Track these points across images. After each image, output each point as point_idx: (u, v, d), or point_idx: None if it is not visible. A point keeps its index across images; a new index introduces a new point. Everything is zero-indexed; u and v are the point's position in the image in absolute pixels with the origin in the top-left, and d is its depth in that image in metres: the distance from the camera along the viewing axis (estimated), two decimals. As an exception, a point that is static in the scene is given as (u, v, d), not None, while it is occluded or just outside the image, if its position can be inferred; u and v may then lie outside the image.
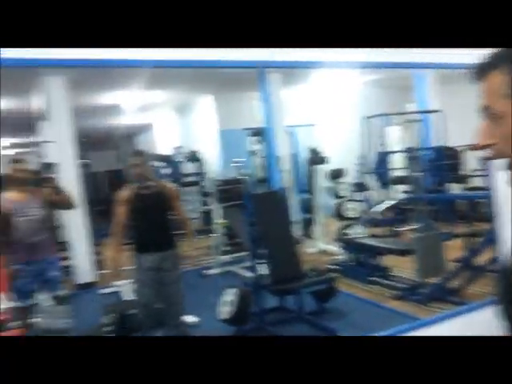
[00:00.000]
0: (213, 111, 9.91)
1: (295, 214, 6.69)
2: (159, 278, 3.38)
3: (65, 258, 6.08)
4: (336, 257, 6.19)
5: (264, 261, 4.20)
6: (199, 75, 7.64)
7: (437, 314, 3.85)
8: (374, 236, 6.49)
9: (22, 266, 3.50)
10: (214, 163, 9.55)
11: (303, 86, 9.63)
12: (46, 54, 2.36)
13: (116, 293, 5.56)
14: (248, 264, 5.59)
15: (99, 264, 6.55)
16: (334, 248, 6.69)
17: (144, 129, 14.37)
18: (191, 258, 6.04)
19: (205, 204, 8.37)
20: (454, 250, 4.83)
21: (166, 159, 9.59)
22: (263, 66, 6.60)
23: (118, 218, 3.41)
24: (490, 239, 4.15)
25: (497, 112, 0.78)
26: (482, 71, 0.81)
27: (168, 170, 9.36)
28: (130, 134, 15.22)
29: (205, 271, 6.37)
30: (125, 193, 3.43)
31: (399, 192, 7.87)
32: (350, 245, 5.69)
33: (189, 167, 9.52)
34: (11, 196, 3.54)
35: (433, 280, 4.56)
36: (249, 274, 5.28)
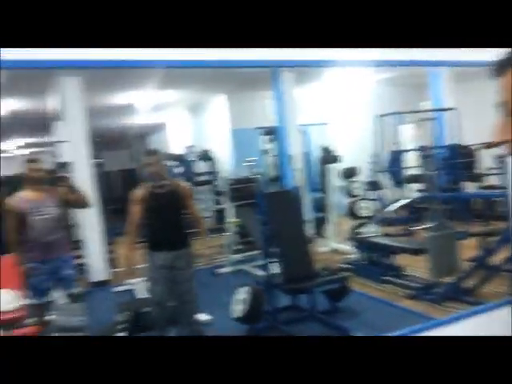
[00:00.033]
0: (225, 110, 9.93)
1: (308, 212, 6.68)
2: (172, 277, 3.40)
3: (79, 257, 6.14)
4: (348, 256, 6.16)
5: (276, 259, 4.20)
6: (212, 75, 7.66)
7: (451, 313, 3.81)
8: (387, 235, 6.45)
9: (37, 264, 3.54)
10: (227, 162, 9.57)
11: (316, 84, 9.60)
12: (61, 55, 2.39)
13: (130, 291, 5.60)
14: (260, 263, 5.60)
15: (112, 262, 6.61)
16: (346, 247, 6.66)
17: (157, 128, 14.45)
18: (204, 257, 6.06)
19: (217, 203, 8.38)
20: (469, 249, 4.78)
21: (178, 158, 9.64)
22: (276, 66, 6.61)
23: (132, 217, 3.43)
24: (506, 238, 4.11)
25: None
26: (500, 67, 0.80)
27: (181, 169, 9.41)
28: (144, 134, 15.32)
29: (217, 270, 6.38)
30: (139, 192, 3.46)
31: (413, 191, 7.81)
32: (363, 244, 5.66)
33: (201, 166, 9.55)
34: (27, 195, 3.59)
35: (447, 279, 4.52)
36: (261, 273, 5.28)
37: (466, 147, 8.33)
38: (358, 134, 9.78)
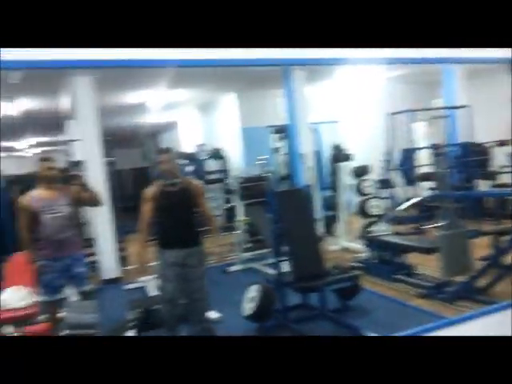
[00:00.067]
0: (236, 109, 9.93)
1: (318, 211, 6.66)
2: (184, 274, 3.41)
3: (91, 255, 6.19)
4: (359, 254, 6.14)
5: (287, 258, 4.19)
6: (223, 73, 7.67)
7: (463, 312, 3.78)
8: (398, 234, 6.41)
9: (50, 261, 3.57)
10: (237, 161, 9.58)
11: (327, 82, 9.56)
12: (73, 55, 2.40)
13: (141, 288, 5.64)
14: (270, 261, 5.60)
15: (124, 260, 6.66)
16: (357, 245, 6.63)
17: (168, 127, 14.50)
18: (214, 255, 6.08)
19: (227, 201, 8.39)
20: (481, 247, 4.73)
21: (189, 157, 9.66)
22: (287, 64, 6.58)
23: (144, 215, 3.45)
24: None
25: None
26: None
27: (192, 168, 9.43)
28: (155, 133, 15.39)
29: (227, 268, 6.40)
30: (151, 190, 3.48)
31: (425, 189, 7.75)
32: (373, 242, 5.64)
33: (212, 165, 9.57)
34: (39, 194, 3.62)
35: (459, 278, 4.48)
36: (271, 271, 5.28)
37: (478, 145, 8.25)
38: (369, 132, 9.73)
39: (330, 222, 7.31)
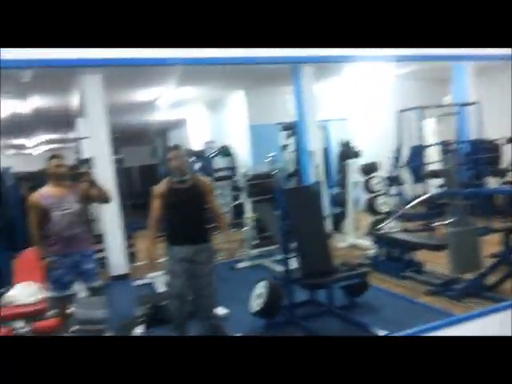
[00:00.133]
0: (244, 106, 9.93)
1: (327, 208, 6.65)
2: (192, 271, 3.42)
3: (99, 251, 6.23)
4: (367, 251, 6.12)
5: (295, 254, 4.19)
6: (231, 71, 7.67)
7: (472, 310, 3.76)
8: (406, 231, 6.38)
9: (59, 258, 3.60)
10: (246, 158, 9.58)
11: (336, 79, 9.53)
12: (82, 53, 2.41)
13: (149, 284, 5.67)
14: (278, 258, 5.60)
15: (132, 256, 6.69)
16: (365, 242, 6.62)
17: (177, 124, 14.54)
18: (222, 251, 6.09)
19: (235, 198, 8.40)
20: (491, 245, 4.70)
21: (198, 154, 9.68)
22: (296, 62, 6.57)
23: (153, 212, 3.47)
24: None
25: None
26: None
27: (200, 165, 9.45)
28: (164, 130, 15.43)
29: (235, 264, 6.41)
30: (160, 187, 3.49)
31: (434, 186, 7.70)
32: (382, 239, 5.62)
33: (220, 162, 9.58)
34: (49, 191, 3.65)
35: (468, 276, 4.45)
36: (279, 268, 5.28)
37: (488, 142, 8.18)
38: (378, 130, 9.68)
39: (339, 219, 7.29)
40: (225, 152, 9.19)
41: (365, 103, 10.36)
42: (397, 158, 7.58)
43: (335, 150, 7.80)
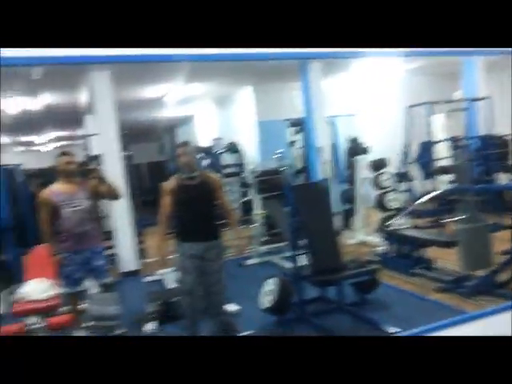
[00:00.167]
0: (252, 102, 9.92)
1: (336, 204, 6.63)
2: (202, 267, 3.43)
3: (110, 247, 6.27)
4: (377, 248, 6.10)
5: (304, 251, 4.19)
6: (239, 67, 7.66)
7: (483, 307, 3.74)
8: (416, 227, 6.35)
9: (70, 254, 3.63)
10: (254, 154, 9.57)
11: (344, 74, 9.48)
12: (90, 50, 2.42)
13: (160, 281, 5.69)
14: (287, 254, 5.60)
15: (142, 253, 6.72)
16: (375, 239, 6.60)
17: (185, 121, 14.55)
18: (232, 248, 6.10)
19: (244, 195, 8.41)
20: (502, 241, 4.66)
21: (206, 150, 9.69)
22: (304, 58, 6.55)
23: (163, 208, 3.48)
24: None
25: None
26: None
27: (208, 161, 9.46)
28: (172, 126, 15.46)
29: (244, 261, 6.42)
30: (170, 183, 3.50)
31: (444, 182, 7.65)
32: (392, 236, 5.60)
33: (228, 158, 9.58)
34: (59, 188, 3.67)
35: (479, 273, 4.43)
36: (288, 265, 5.28)
37: (499, 137, 8.11)
38: (387, 125, 9.63)
39: (348, 215, 7.27)
40: (233, 148, 9.18)
41: (373, 99, 10.31)
42: (406, 154, 7.53)
43: (343, 146, 7.76)
